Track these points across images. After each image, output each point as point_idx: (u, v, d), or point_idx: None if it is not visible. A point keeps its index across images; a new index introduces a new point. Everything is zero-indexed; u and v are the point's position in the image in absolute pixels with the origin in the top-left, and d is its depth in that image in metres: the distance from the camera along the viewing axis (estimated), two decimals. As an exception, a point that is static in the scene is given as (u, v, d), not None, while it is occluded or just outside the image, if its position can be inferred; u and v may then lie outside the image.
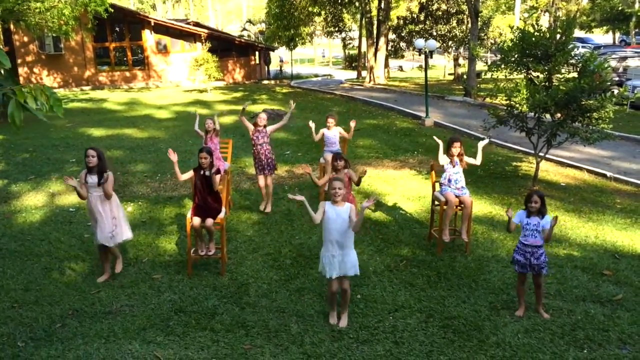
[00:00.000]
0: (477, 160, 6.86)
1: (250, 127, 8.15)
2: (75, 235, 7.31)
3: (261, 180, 8.20)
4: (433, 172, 7.10)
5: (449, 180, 6.70)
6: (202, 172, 6.12)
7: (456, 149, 6.69)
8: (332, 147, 8.58)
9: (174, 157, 6.18)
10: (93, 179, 5.75)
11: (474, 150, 8.05)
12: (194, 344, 4.81)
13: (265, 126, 8.12)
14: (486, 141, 7.03)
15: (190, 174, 6.22)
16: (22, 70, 26.14)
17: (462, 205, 6.65)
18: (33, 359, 4.60)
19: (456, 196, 6.62)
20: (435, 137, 7.16)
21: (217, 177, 6.09)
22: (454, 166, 6.69)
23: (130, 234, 6.20)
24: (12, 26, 22.82)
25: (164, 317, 5.25)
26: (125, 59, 28.55)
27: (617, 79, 18.65)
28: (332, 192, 4.81)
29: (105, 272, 6.09)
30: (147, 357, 4.62)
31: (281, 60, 40.96)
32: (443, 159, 6.77)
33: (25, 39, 25.74)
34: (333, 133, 8.60)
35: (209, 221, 6.06)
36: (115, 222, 5.92)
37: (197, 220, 6.04)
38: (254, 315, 5.28)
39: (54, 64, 26.75)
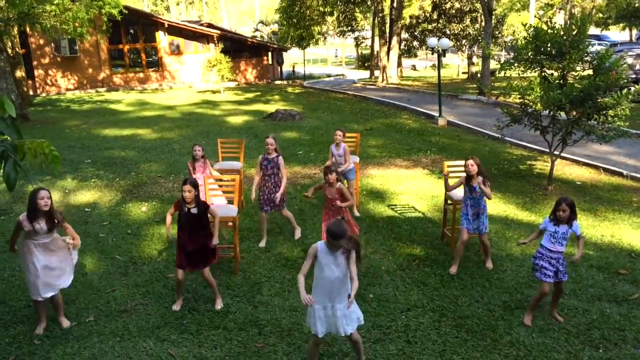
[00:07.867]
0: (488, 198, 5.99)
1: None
2: (91, 235, 7.38)
3: (263, 214, 7.00)
4: (445, 169, 7.04)
5: (470, 206, 6.02)
6: (186, 209, 5.17)
7: (473, 167, 5.89)
8: (338, 167, 7.32)
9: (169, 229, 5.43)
10: (41, 224, 4.81)
11: (487, 150, 7.99)
12: (207, 342, 4.85)
13: (277, 152, 6.94)
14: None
15: (170, 210, 5.35)
16: (38, 73, 26.52)
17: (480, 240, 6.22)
18: (49, 357, 4.67)
19: (474, 232, 6.10)
20: (445, 173, 6.48)
21: (213, 209, 5.41)
22: (471, 193, 5.99)
23: (69, 281, 5.15)
24: (28, 29, 23.14)
25: (177, 316, 5.29)
26: (139, 60, 28.77)
27: (634, 76, 18.41)
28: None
29: (41, 321, 5.06)
30: (161, 355, 4.67)
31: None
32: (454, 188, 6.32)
33: (41, 41, 26.08)
34: (340, 152, 7.64)
35: (206, 272, 5.30)
36: (58, 273, 5.01)
37: (180, 274, 5.22)
38: (266, 314, 5.30)
39: (69, 66, 27.06)
